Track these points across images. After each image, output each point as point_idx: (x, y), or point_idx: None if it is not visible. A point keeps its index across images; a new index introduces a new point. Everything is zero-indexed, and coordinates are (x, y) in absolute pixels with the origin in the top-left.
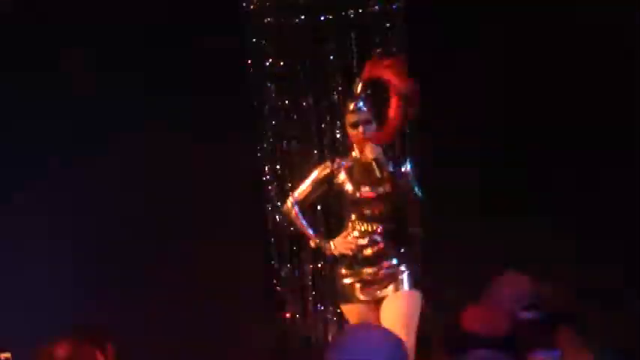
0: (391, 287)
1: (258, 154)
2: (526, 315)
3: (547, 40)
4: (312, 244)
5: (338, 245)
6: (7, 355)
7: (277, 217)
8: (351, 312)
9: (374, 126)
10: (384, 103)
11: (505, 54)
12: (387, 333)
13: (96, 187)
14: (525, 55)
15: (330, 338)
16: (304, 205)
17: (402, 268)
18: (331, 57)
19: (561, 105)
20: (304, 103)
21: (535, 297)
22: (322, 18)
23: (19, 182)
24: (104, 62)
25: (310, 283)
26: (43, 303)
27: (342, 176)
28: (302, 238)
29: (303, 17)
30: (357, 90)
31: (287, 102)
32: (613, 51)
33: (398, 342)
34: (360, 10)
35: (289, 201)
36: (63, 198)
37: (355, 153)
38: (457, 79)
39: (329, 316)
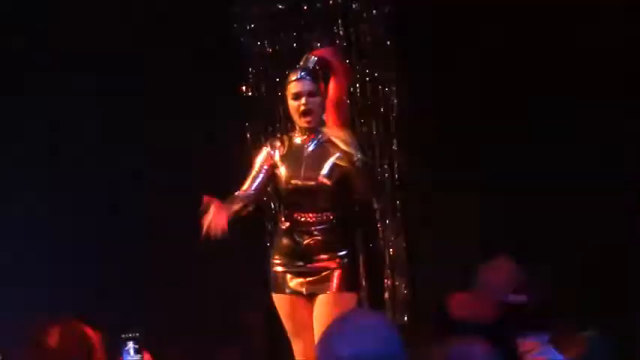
0: (325, 284)
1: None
2: (515, 299)
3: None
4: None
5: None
6: None
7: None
8: (280, 302)
9: (318, 99)
10: (326, 87)
11: (490, 41)
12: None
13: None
14: (519, 49)
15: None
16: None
17: (338, 265)
18: (318, 44)
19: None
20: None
21: (524, 282)
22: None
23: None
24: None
25: None
26: (33, 302)
27: (277, 160)
28: None
29: (289, 4)
30: (305, 62)
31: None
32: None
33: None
34: None
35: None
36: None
37: (296, 136)
38: (446, 69)
39: None
